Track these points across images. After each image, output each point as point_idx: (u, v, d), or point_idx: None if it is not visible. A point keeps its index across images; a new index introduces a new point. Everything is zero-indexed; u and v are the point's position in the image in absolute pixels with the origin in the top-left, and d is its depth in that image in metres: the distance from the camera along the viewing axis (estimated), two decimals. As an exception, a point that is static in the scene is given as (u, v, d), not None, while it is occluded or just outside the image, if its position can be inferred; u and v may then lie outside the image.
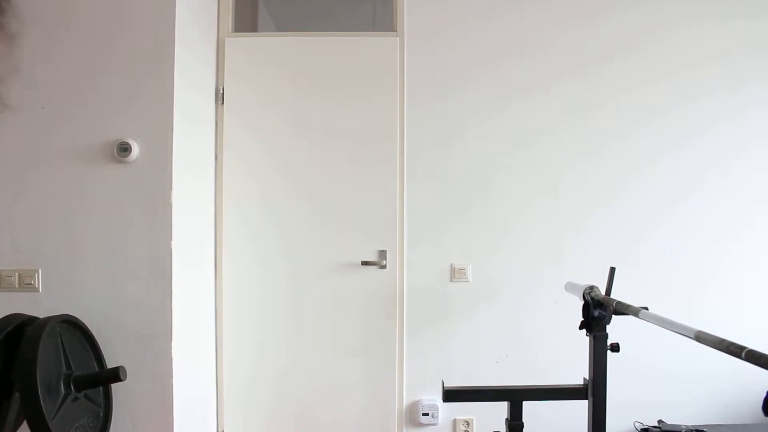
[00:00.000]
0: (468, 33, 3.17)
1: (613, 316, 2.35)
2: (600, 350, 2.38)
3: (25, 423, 2.09)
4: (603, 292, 2.39)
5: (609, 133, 3.16)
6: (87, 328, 2.37)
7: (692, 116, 3.17)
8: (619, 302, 2.25)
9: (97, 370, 2.37)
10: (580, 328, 2.43)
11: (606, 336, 2.38)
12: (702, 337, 1.68)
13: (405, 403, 3.14)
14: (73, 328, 2.32)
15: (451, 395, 2.48)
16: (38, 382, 2.01)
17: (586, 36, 3.17)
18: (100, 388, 2.35)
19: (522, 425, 2.43)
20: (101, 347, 2.40)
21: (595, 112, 3.16)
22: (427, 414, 3.13)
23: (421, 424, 3.14)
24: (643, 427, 2.98)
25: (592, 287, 2.41)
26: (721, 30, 3.19)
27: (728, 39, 3.19)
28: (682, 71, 3.17)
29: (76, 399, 2.20)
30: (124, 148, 2.45)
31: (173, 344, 2.46)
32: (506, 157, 3.16)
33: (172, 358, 2.45)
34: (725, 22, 3.19)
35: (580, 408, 2.48)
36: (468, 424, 3.14)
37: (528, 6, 3.18)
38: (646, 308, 2.14)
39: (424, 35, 3.16)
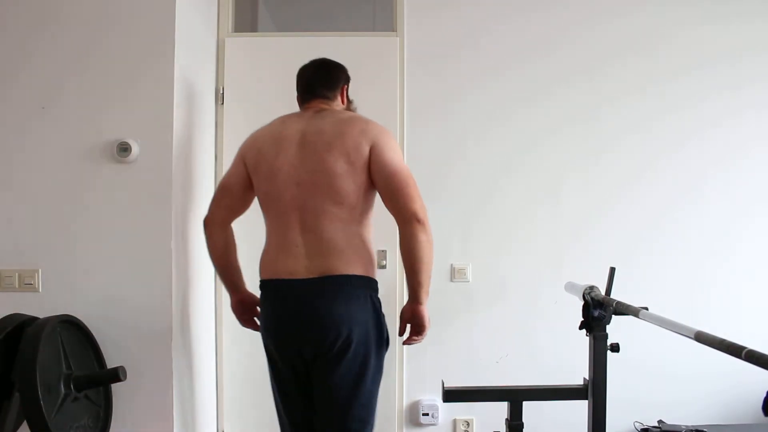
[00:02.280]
0: (468, 34, 3.17)
1: (613, 316, 2.35)
2: (600, 350, 2.38)
3: (25, 423, 2.09)
4: (603, 292, 2.39)
5: (610, 135, 3.16)
6: (87, 328, 2.37)
7: (693, 117, 3.17)
8: (619, 302, 2.25)
9: (97, 370, 2.37)
10: (580, 328, 2.43)
11: (606, 336, 2.38)
12: (702, 337, 1.68)
13: (405, 403, 3.14)
14: (73, 328, 2.32)
15: (451, 395, 2.49)
16: (38, 382, 2.01)
17: (587, 40, 3.16)
18: (100, 388, 2.35)
19: (522, 425, 2.43)
20: (101, 347, 2.40)
21: (597, 114, 3.15)
22: (427, 414, 3.12)
23: (421, 424, 3.14)
24: (643, 427, 2.98)
25: (592, 287, 2.41)
26: (721, 31, 3.18)
27: (728, 40, 3.18)
28: (682, 74, 3.17)
29: (76, 399, 2.20)
30: (124, 148, 2.44)
31: (173, 344, 2.46)
32: (507, 157, 3.15)
33: (172, 358, 2.45)
34: (725, 23, 3.18)
35: (581, 408, 2.48)
36: (468, 424, 3.14)
37: (529, 9, 3.17)
38: (646, 308, 2.14)
39: (424, 36, 3.16)
